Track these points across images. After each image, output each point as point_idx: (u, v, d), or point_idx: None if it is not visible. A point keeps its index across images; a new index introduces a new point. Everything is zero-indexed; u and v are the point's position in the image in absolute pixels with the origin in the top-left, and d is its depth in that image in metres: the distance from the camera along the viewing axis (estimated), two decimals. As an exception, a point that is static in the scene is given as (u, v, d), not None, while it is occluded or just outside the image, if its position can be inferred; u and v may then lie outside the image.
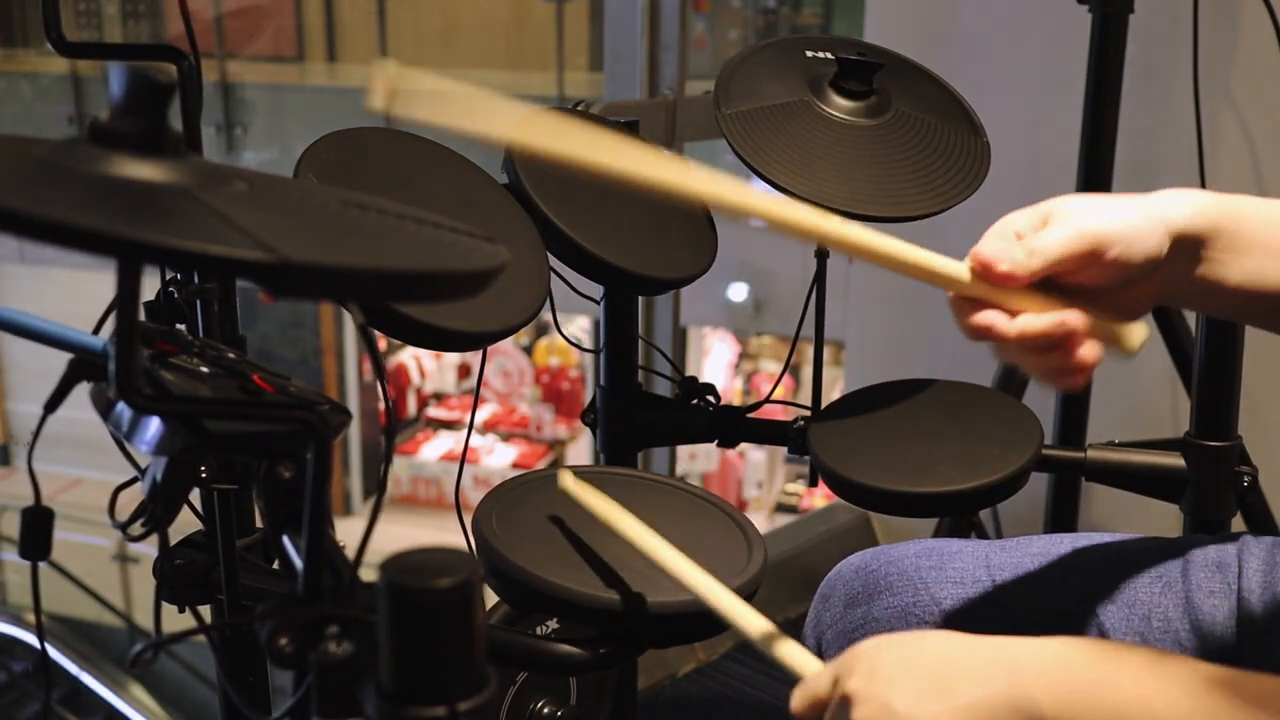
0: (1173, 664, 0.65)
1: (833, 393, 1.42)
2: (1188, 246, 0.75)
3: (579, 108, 1.26)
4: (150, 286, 0.71)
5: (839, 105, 1.17)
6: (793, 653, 0.75)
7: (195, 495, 0.94)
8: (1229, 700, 0.60)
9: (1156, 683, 0.63)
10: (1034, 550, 0.99)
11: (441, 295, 0.56)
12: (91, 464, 5.06)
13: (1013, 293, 0.73)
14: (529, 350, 8.13)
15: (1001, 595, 0.94)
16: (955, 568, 0.97)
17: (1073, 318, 0.71)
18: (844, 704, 0.68)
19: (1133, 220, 0.73)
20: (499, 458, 7.90)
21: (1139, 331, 0.76)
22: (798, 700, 0.72)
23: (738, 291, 5.78)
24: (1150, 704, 0.62)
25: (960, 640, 0.69)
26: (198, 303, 0.97)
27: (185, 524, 0.84)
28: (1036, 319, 0.72)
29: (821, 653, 0.99)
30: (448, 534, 0.92)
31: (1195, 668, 0.64)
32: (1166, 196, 0.76)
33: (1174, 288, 0.77)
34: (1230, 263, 0.76)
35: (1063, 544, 1.00)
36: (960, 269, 0.75)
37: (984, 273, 0.73)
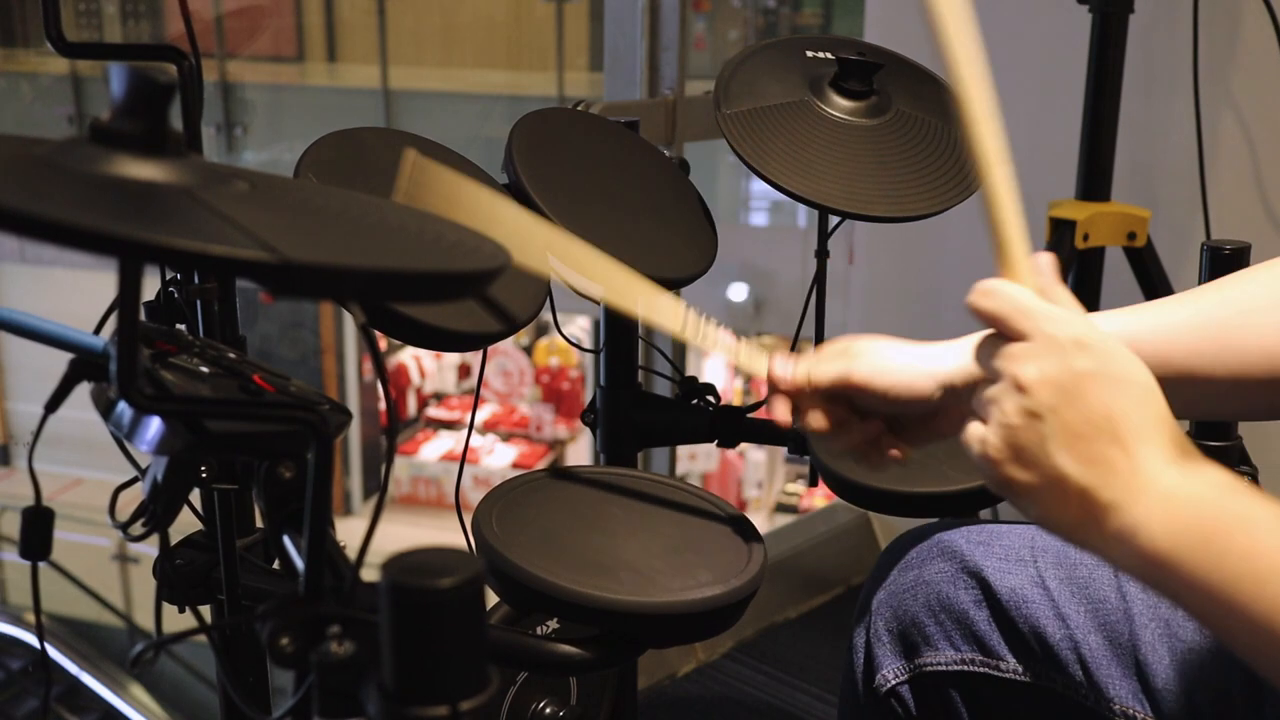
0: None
1: (833, 393, 1.41)
2: (969, 390, 0.77)
3: (579, 108, 1.26)
4: (150, 286, 0.71)
5: (839, 105, 1.17)
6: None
7: (195, 495, 0.94)
8: None
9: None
10: None
11: (442, 295, 0.56)
12: (91, 464, 5.06)
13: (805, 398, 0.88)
14: (529, 350, 8.13)
15: (1043, 576, 0.96)
16: (1002, 545, 0.99)
17: (818, 421, 0.87)
18: (1009, 380, 0.66)
19: (900, 368, 0.84)
20: (499, 458, 7.90)
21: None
22: (987, 305, 0.69)
23: (738, 291, 5.78)
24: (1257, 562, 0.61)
25: (1138, 406, 0.65)
26: (198, 303, 0.97)
27: (185, 524, 0.84)
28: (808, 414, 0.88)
29: (872, 612, 1.02)
30: (448, 534, 0.92)
31: None
32: (946, 347, 0.83)
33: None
34: None
35: None
36: (760, 365, 0.91)
37: (770, 372, 0.89)
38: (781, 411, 0.89)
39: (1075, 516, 0.65)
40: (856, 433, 0.87)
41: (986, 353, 0.70)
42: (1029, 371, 0.66)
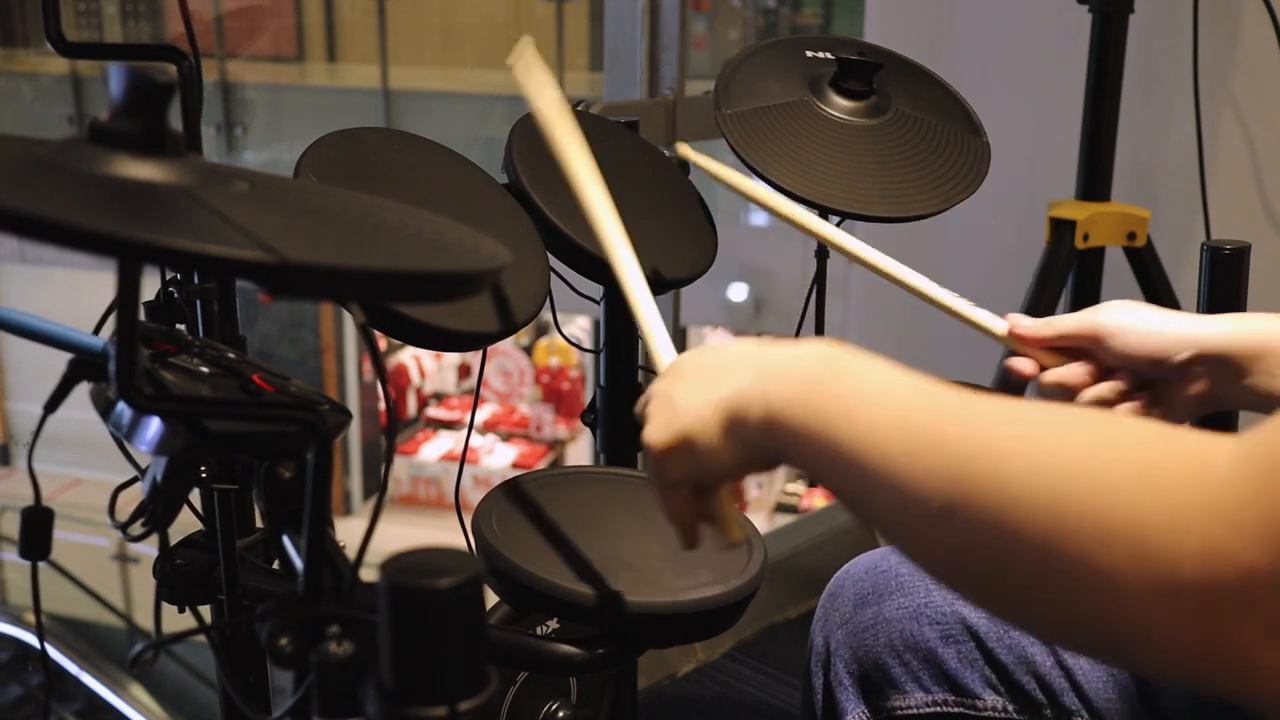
0: (891, 376, 0.63)
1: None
2: (1226, 364, 0.85)
3: (579, 108, 1.26)
4: (150, 286, 0.71)
5: (839, 105, 1.17)
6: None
7: (195, 495, 0.94)
8: (925, 407, 0.59)
9: (872, 391, 0.62)
10: None
11: (442, 295, 0.56)
12: (91, 464, 5.06)
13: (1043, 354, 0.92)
14: (529, 350, 8.13)
15: None
16: None
17: (1074, 370, 0.90)
18: (647, 397, 0.74)
19: (1152, 326, 0.86)
20: (499, 458, 7.90)
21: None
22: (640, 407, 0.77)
23: (738, 291, 5.77)
24: (852, 411, 0.60)
25: (745, 348, 0.71)
26: (198, 303, 0.97)
27: (185, 524, 0.84)
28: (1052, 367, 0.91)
29: (830, 653, 0.98)
30: (448, 534, 0.92)
31: (905, 380, 0.62)
32: (1216, 319, 0.86)
33: (1223, 395, 0.86)
34: (1275, 380, 0.84)
35: None
36: (1000, 325, 0.94)
37: (1012, 330, 0.93)
38: (1023, 362, 0.93)
39: (722, 430, 0.67)
40: (1103, 389, 0.89)
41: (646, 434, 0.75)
42: (653, 387, 0.74)
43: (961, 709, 0.93)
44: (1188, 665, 0.49)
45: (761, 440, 0.65)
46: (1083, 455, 0.52)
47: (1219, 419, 1.30)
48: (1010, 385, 1.83)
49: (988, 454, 0.53)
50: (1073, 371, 0.90)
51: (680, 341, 2.59)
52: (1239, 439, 0.51)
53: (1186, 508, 0.48)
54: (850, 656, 0.97)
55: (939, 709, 0.93)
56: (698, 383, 0.69)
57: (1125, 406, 0.89)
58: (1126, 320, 0.88)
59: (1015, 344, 0.93)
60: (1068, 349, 0.91)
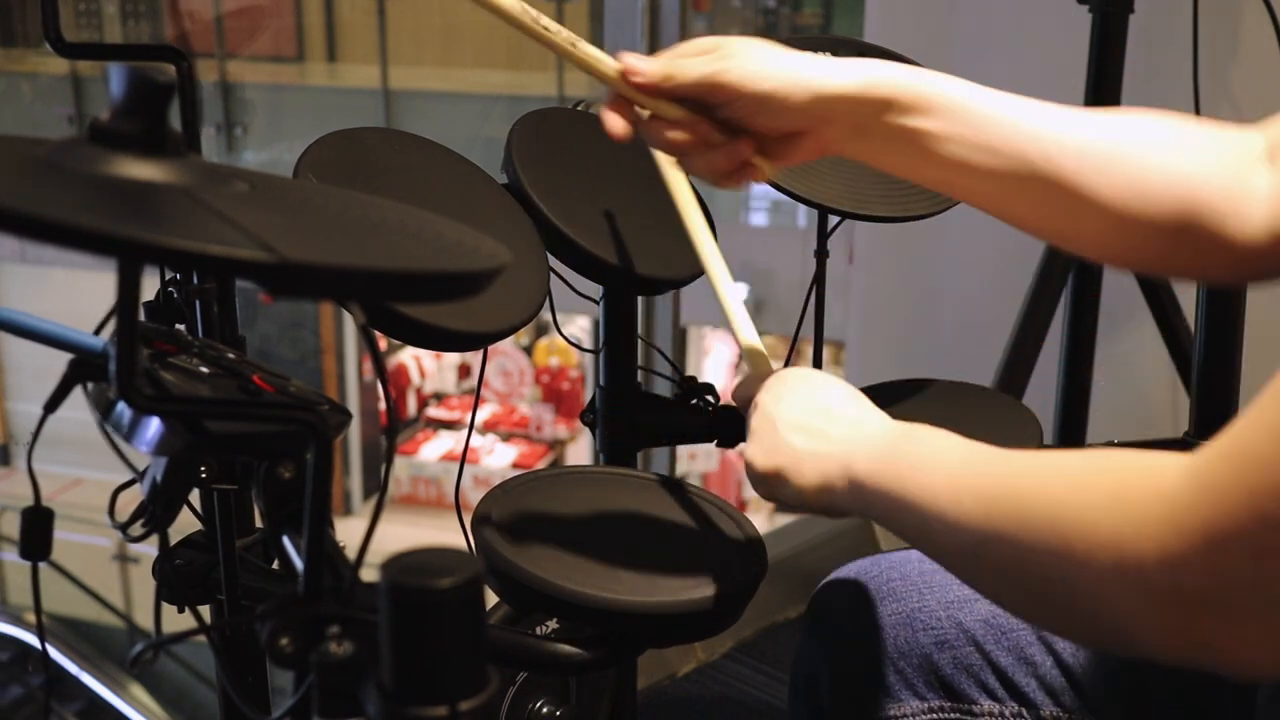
0: (948, 444, 0.73)
1: (833, 393, 1.42)
2: (850, 113, 0.80)
3: (579, 108, 1.26)
4: (150, 286, 0.71)
5: (839, 105, 1.17)
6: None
7: (195, 495, 0.94)
8: (994, 474, 0.67)
9: (932, 458, 0.72)
10: None
11: (442, 295, 0.56)
12: (91, 464, 5.06)
13: (662, 104, 0.82)
14: (529, 350, 8.13)
15: None
16: None
17: (692, 122, 0.82)
18: (753, 407, 0.84)
19: (777, 72, 0.79)
20: (499, 458, 7.90)
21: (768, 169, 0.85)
22: (737, 390, 0.89)
23: (738, 291, 5.78)
24: (918, 476, 0.71)
25: (846, 398, 0.81)
26: (197, 303, 0.97)
27: (185, 524, 0.84)
28: (666, 111, 0.82)
29: (820, 662, 0.98)
30: (448, 534, 0.92)
31: (956, 447, 0.72)
32: (828, 59, 0.80)
33: (836, 148, 0.83)
34: (915, 139, 0.80)
35: None
36: (611, 65, 0.83)
37: (624, 74, 0.81)
38: (616, 121, 0.83)
39: (814, 481, 0.78)
40: (722, 154, 0.82)
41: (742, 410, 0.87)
42: (759, 393, 0.84)
43: (958, 715, 0.93)
44: (1176, 651, 0.57)
45: (845, 502, 0.77)
46: (1075, 487, 0.61)
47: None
48: (1011, 385, 1.82)
49: (1010, 495, 0.64)
50: (681, 134, 0.82)
51: (680, 342, 2.59)
52: (1190, 455, 0.59)
53: (1148, 520, 0.57)
54: (842, 665, 0.97)
55: (935, 715, 0.93)
56: (801, 426, 0.80)
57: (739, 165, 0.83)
58: (747, 77, 0.79)
59: (626, 90, 0.82)
60: (686, 99, 0.81)
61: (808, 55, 0.80)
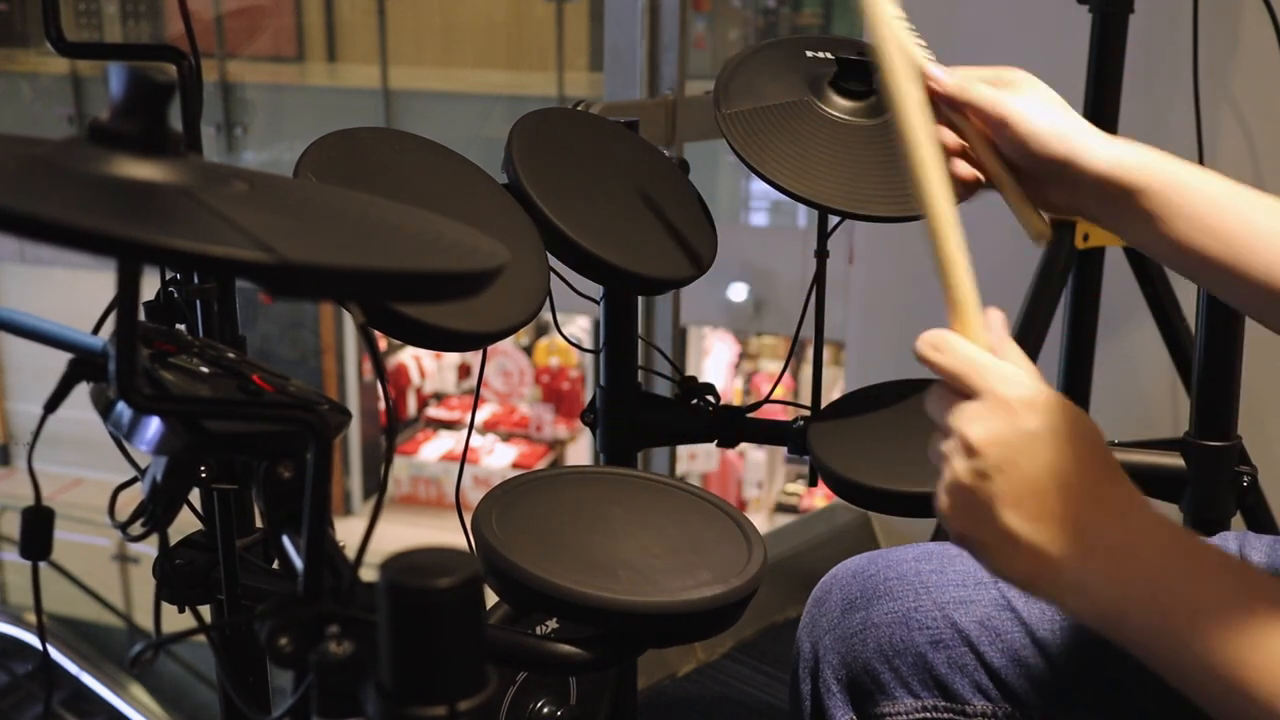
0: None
1: (833, 393, 1.42)
2: (1111, 189, 0.84)
3: (579, 107, 1.26)
4: (150, 286, 0.71)
5: (839, 105, 1.17)
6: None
7: (195, 495, 0.94)
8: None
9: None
10: None
11: (442, 295, 0.56)
12: (91, 464, 5.07)
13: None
14: (529, 350, 8.14)
15: (1007, 598, 0.94)
16: (957, 570, 0.96)
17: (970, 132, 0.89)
18: (965, 448, 0.67)
19: (1053, 126, 0.85)
20: (499, 458, 7.91)
21: (1037, 224, 0.89)
22: (942, 361, 0.70)
23: (738, 291, 5.78)
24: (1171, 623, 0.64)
25: (1089, 471, 0.66)
26: (197, 303, 0.97)
27: (185, 524, 0.84)
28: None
29: (818, 659, 0.98)
30: (448, 534, 0.92)
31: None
32: (1108, 141, 0.85)
33: (1096, 215, 0.87)
34: (1151, 225, 0.83)
35: None
36: (921, 58, 0.89)
37: (924, 70, 0.88)
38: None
39: (1026, 571, 0.66)
40: (966, 164, 0.89)
41: (938, 406, 0.70)
42: (977, 431, 0.66)
43: (951, 714, 0.93)
44: None
45: (1073, 609, 0.67)
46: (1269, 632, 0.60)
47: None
48: None
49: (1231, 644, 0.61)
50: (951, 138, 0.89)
51: (680, 342, 2.59)
52: None
53: None
54: (838, 663, 0.97)
55: (928, 714, 0.93)
56: (1020, 501, 0.65)
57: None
58: (1028, 119, 0.85)
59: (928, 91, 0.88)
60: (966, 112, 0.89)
61: (1077, 119, 0.86)
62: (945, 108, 0.89)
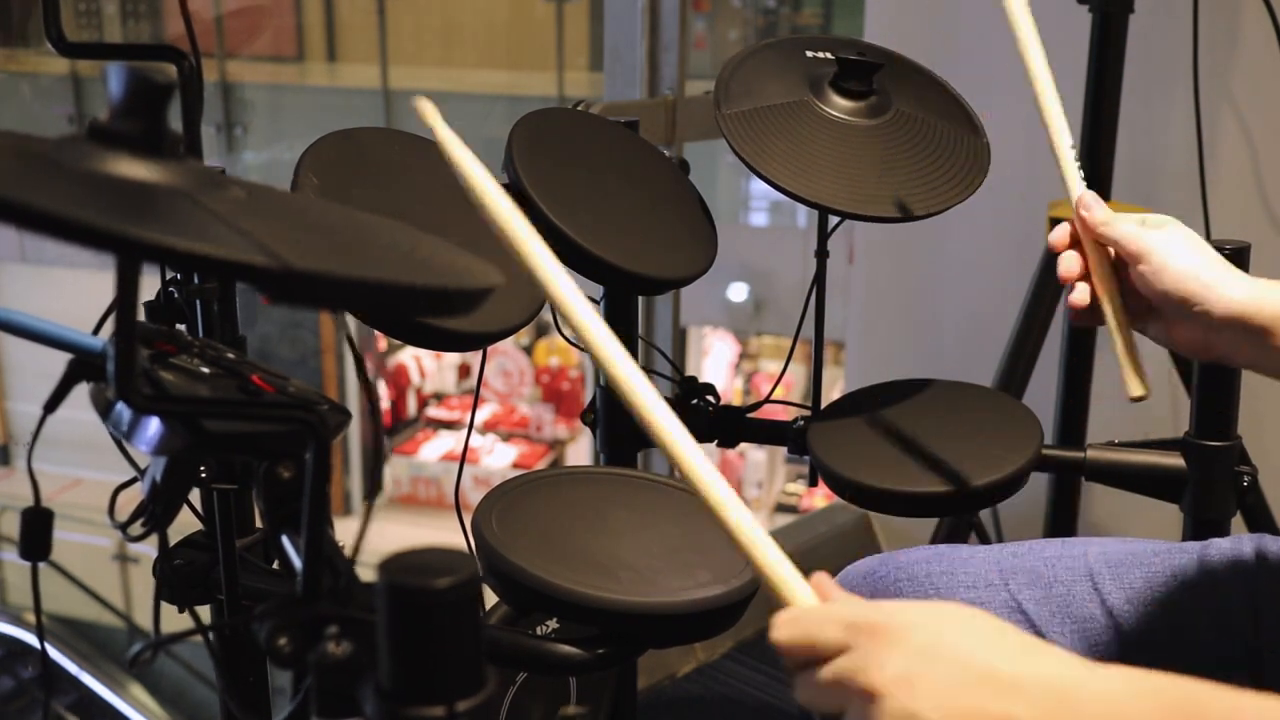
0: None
1: (833, 393, 1.42)
2: (1235, 329, 0.87)
3: (579, 107, 1.26)
4: (150, 287, 0.71)
5: (839, 105, 1.17)
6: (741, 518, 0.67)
7: (195, 495, 0.94)
8: None
9: None
10: (1048, 554, 0.98)
11: (440, 310, 0.56)
12: (91, 464, 5.06)
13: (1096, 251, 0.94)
14: (529, 350, 8.13)
15: (1018, 600, 0.94)
16: (967, 572, 0.96)
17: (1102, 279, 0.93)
18: (864, 696, 0.57)
19: (1189, 263, 0.88)
20: (499, 458, 7.90)
21: (1137, 384, 0.91)
22: (792, 634, 0.61)
23: (738, 291, 5.78)
24: None
25: (1012, 651, 0.57)
26: (197, 303, 0.97)
27: (185, 524, 0.84)
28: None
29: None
30: (448, 534, 0.92)
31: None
32: (1243, 278, 0.88)
33: (1219, 354, 0.89)
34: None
35: (1076, 548, 0.99)
36: (1077, 190, 0.97)
37: (1078, 204, 0.95)
38: (1060, 234, 0.95)
39: None
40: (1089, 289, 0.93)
41: (815, 688, 0.60)
42: (873, 677, 0.57)
43: None
44: None
45: None
46: None
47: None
48: (1011, 385, 1.82)
49: None
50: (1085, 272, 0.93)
51: (680, 342, 2.59)
52: None
53: None
54: None
55: None
56: (963, 706, 0.55)
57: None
58: (1165, 256, 0.89)
59: (1075, 219, 0.94)
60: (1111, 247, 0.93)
61: (1216, 257, 0.89)
62: (1088, 239, 0.93)
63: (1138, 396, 0.91)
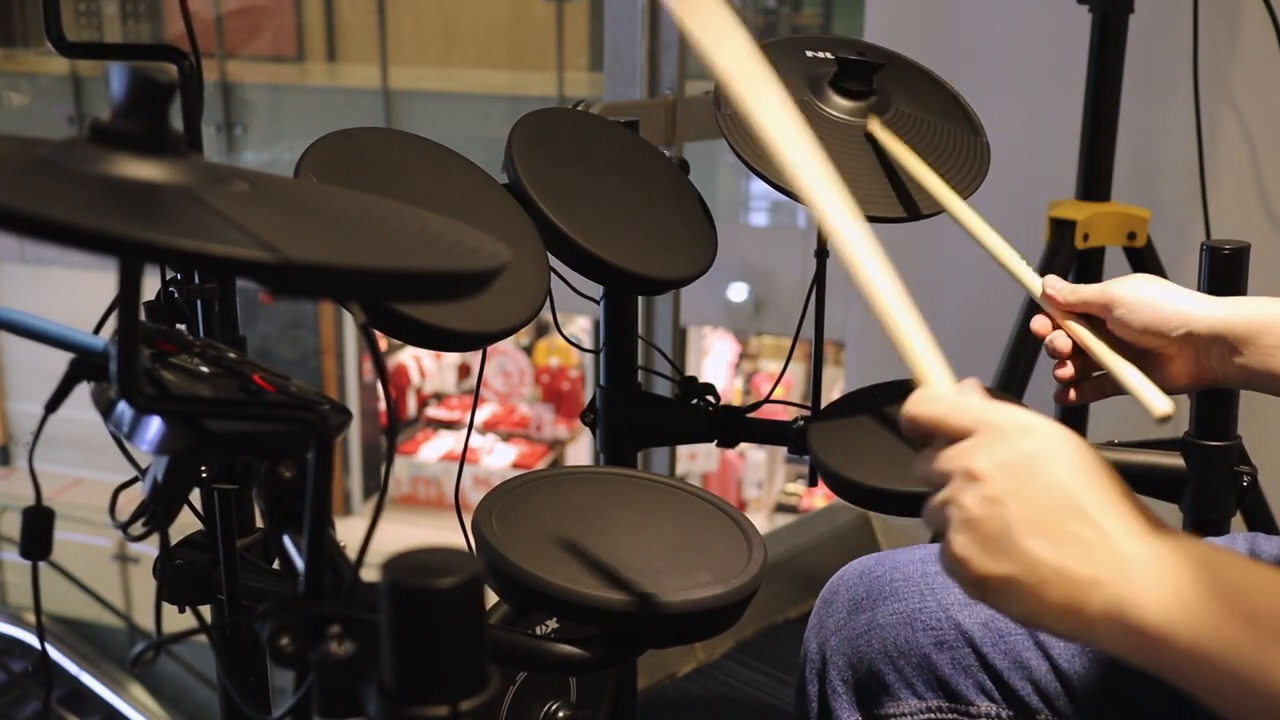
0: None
1: (833, 393, 1.42)
2: (1220, 343, 0.91)
3: (579, 107, 1.27)
4: (151, 286, 0.71)
5: (839, 105, 1.17)
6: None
7: (195, 495, 0.94)
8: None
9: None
10: None
11: (442, 295, 0.56)
12: (92, 464, 5.06)
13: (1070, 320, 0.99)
14: (529, 350, 8.14)
15: None
16: None
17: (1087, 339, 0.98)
18: (968, 476, 0.63)
19: (1154, 300, 0.93)
20: (499, 458, 7.90)
21: (1159, 405, 0.92)
22: (924, 410, 0.67)
23: (738, 291, 5.78)
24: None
25: (1100, 488, 0.62)
26: (198, 303, 0.97)
27: (185, 524, 0.84)
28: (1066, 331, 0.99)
29: (825, 659, 0.99)
30: (448, 534, 0.92)
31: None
32: (1217, 301, 0.92)
33: (1212, 375, 0.93)
34: (1270, 358, 0.90)
35: None
36: (1036, 282, 1.01)
37: (1045, 289, 0.99)
38: (1041, 322, 1.01)
39: (1058, 602, 0.61)
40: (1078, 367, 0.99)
41: (929, 460, 0.67)
42: (980, 461, 0.63)
43: (955, 715, 0.93)
44: None
45: (1112, 642, 0.61)
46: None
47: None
48: (1011, 385, 1.83)
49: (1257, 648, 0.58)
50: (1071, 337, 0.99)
51: (680, 342, 2.59)
52: None
53: None
54: (844, 663, 0.97)
55: (933, 715, 0.93)
56: (1042, 527, 0.61)
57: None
58: (1133, 293, 0.94)
59: (1045, 304, 1.00)
60: (1088, 314, 0.98)
61: (1181, 288, 0.95)
62: (1061, 315, 0.99)
63: (1164, 416, 0.92)
